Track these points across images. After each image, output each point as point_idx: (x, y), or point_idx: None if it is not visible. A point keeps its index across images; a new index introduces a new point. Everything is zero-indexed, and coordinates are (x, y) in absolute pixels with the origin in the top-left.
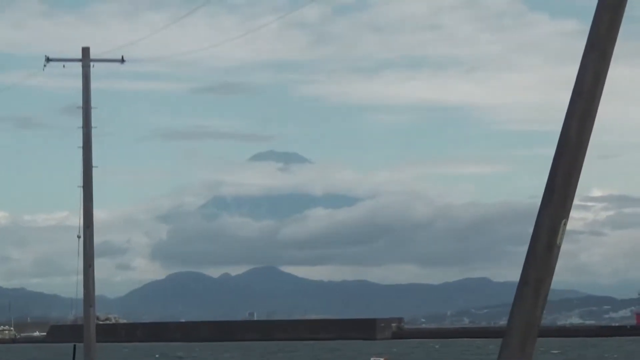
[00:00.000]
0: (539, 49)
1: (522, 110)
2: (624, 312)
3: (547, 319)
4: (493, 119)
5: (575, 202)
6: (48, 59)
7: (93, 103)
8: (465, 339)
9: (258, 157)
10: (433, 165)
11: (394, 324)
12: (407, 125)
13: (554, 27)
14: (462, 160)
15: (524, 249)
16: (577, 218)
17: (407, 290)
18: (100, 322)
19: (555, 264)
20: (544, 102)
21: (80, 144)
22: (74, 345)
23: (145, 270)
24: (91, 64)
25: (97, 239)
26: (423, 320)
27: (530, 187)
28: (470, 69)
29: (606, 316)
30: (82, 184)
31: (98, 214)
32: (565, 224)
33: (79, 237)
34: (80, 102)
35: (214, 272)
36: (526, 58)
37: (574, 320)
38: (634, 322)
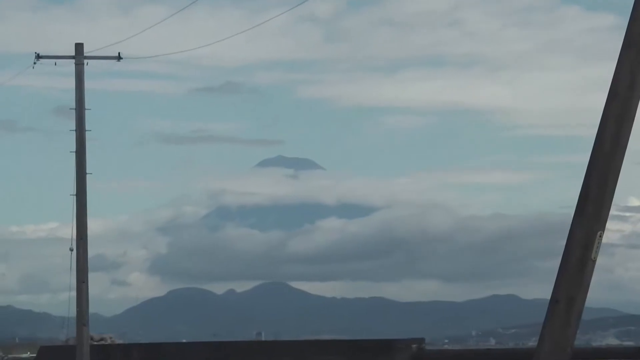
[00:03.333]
0: (571, 46)
1: (553, 113)
2: None
3: (581, 339)
4: (520, 123)
5: (612, 212)
6: (38, 56)
7: (87, 104)
8: None
9: (265, 163)
10: (455, 172)
11: (414, 345)
12: (427, 129)
13: (587, 23)
14: (486, 168)
15: (555, 264)
16: (613, 230)
17: (428, 308)
18: (95, 343)
19: (590, 279)
20: (577, 104)
21: (73, 149)
22: None
23: (143, 286)
24: (85, 61)
25: (91, 252)
26: (446, 340)
27: (561, 197)
28: (495, 68)
29: None
30: (74, 192)
31: (92, 224)
32: (600, 237)
33: (71, 250)
34: (72, 103)
35: (218, 289)
36: (556, 56)
37: (610, 340)
38: None
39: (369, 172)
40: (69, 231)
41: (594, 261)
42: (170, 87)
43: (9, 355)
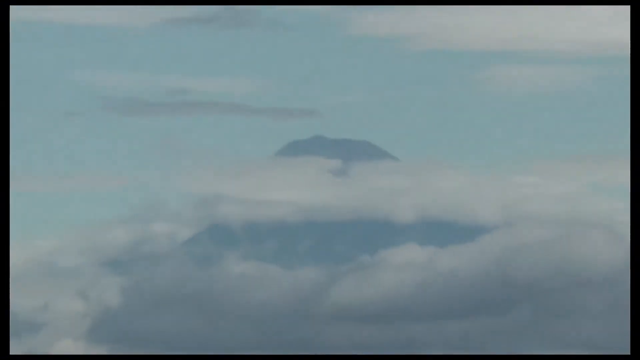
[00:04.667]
0: None
1: None
2: None
3: None
4: None
5: None
6: None
7: None
8: None
9: (292, 150)
10: (622, 166)
11: None
12: (572, 89)
13: None
14: None
15: None
16: None
17: None
18: None
19: None
20: None
21: None
22: None
23: None
24: None
25: None
26: None
27: None
28: None
29: None
30: None
31: None
32: None
33: None
34: None
35: None
36: None
37: None
38: None
39: (473, 164)
40: None
41: None
42: (129, 17)
43: None
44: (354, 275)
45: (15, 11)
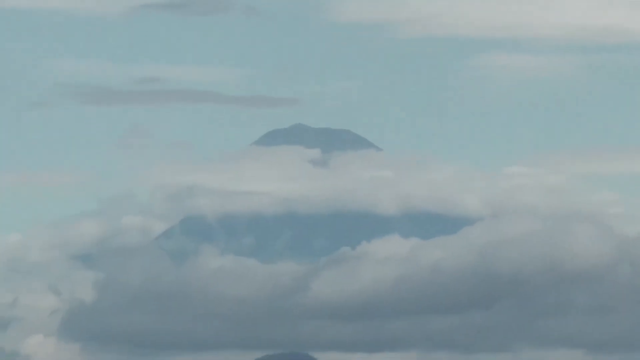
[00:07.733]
0: None
1: None
2: None
3: None
4: None
5: None
6: None
7: None
8: None
9: (272, 139)
10: (617, 158)
11: None
12: (564, 77)
13: None
14: None
15: None
16: None
17: None
18: None
19: None
20: None
21: None
22: None
23: None
24: None
25: None
26: None
27: None
28: None
29: None
30: None
31: None
32: None
33: None
34: None
35: None
36: None
37: None
38: None
39: (458, 155)
40: None
41: None
42: (99, 3)
43: None
44: (334, 269)
45: None
